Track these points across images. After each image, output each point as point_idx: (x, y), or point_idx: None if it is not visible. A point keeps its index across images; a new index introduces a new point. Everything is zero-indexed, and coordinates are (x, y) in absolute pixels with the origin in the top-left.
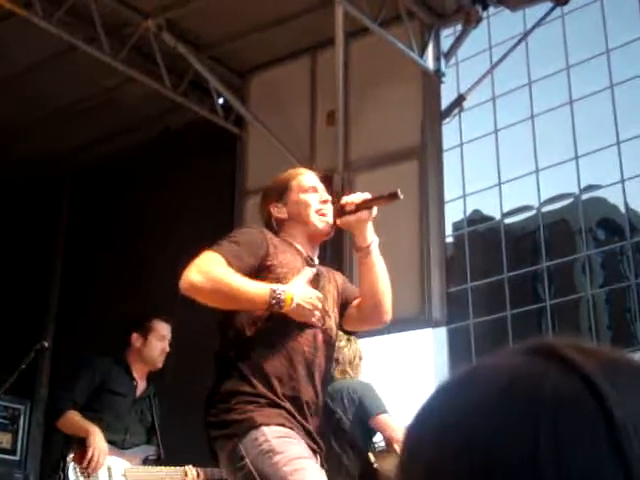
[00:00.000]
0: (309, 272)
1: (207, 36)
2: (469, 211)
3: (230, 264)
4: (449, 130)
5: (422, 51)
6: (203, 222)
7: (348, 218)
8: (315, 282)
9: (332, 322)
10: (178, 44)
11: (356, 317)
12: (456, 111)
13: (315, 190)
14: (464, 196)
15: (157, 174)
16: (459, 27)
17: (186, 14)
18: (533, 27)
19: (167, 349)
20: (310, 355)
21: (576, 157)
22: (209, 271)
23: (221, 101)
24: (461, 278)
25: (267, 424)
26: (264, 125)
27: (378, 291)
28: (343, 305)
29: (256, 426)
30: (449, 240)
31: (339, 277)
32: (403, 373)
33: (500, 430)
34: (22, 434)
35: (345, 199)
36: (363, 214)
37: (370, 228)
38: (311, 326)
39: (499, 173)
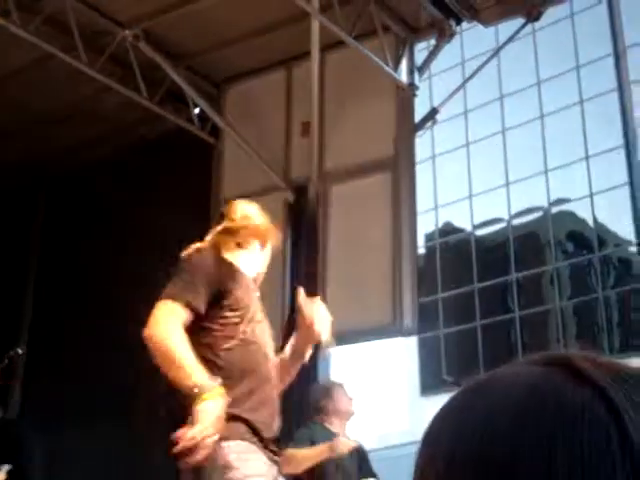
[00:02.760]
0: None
1: (183, 46)
2: (441, 223)
3: (188, 305)
4: (422, 142)
5: (396, 64)
6: (179, 230)
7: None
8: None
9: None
10: (155, 54)
11: None
12: (429, 124)
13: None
14: (436, 208)
15: (133, 182)
16: (433, 41)
17: (163, 24)
18: (505, 42)
19: None
20: (269, 375)
21: (546, 171)
22: (160, 333)
23: (197, 111)
24: (432, 288)
25: (226, 439)
26: (239, 135)
27: (284, 382)
28: None
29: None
30: (421, 251)
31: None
32: (374, 381)
33: (516, 444)
34: None
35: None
36: (312, 339)
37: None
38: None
39: (470, 186)
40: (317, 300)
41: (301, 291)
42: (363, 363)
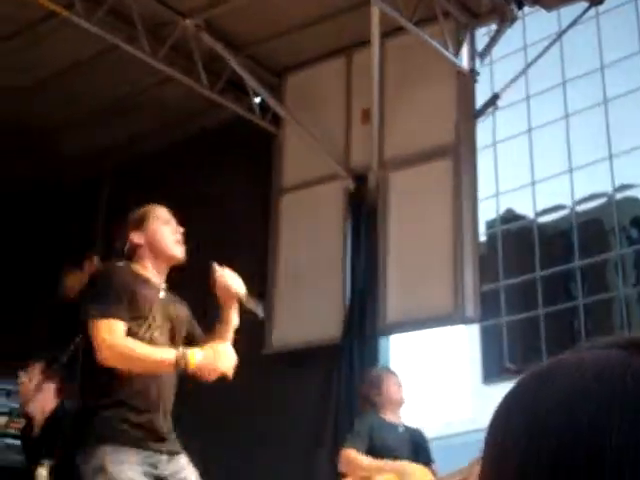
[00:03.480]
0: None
1: (244, 35)
2: (502, 210)
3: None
4: (483, 129)
5: (457, 50)
6: (239, 220)
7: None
8: (165, 307)
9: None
10: (216, 43)
11: None
12: (490, 110)
13: (169, 222)
14: (497, 195)
15: (194, 172)
16: (494, 26)
17: (224, 14)
18: (568, 27)
19: None
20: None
21: (610, 157)
22: (117, 353)
23: (257, 100)
24: (494, 276)
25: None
26: (300, 123)
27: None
28: (187, 338)
29: (97, 443)
30: (482, 239)
31: (186, 309)
32: (437, 369)
33: (580, 425)
34: None
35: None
36: (232, 299)
37: (236, 316)
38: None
39: (532, 172)
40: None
41: (214, 264)
42: (425, 351)
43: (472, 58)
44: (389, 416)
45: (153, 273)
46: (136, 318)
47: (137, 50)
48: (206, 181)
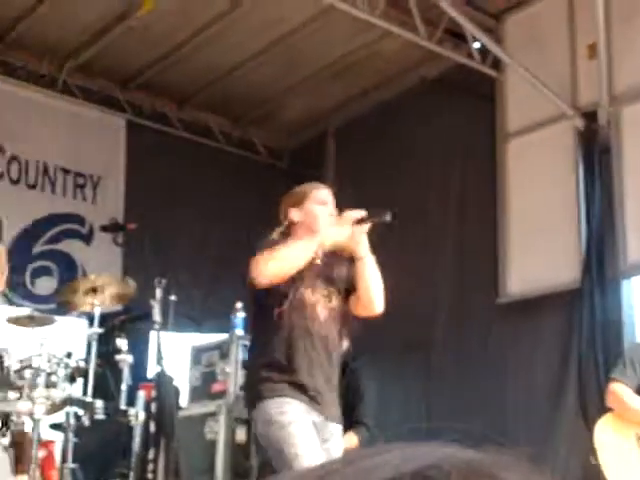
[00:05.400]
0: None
1: None
2: None
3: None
4: None
5: None
6: (466, 167)
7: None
8: (320, 269)
9: (332, 303)
10: None
11: (355, 305)
12: None
13: (326, 204)
14: None
15: (416, 124)
16: None
17: None
18: None
19: None
20: (313, 330)
21: None
22: (264, 261)
23: (477, 45)
24: None
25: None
26: (522, 65)
27: (369, 292)
28: (348, 289)
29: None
30: None
31: (345, 267)
32: None
33: None
34: None
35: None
36: (356, 230)
37: (364, 241)
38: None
39: None
40: None
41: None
42: None
43: None
44: None
45: None
46: (287, 281)
47: (353, 8)
48: (428, 132)
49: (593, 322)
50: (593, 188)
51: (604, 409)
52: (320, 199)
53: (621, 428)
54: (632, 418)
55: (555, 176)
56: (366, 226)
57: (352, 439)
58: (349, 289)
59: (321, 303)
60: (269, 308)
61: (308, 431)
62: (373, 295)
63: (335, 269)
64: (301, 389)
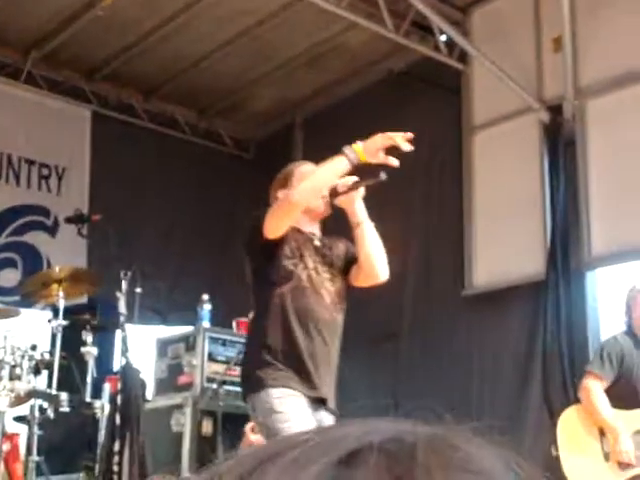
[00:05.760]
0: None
1: None
2: None
3: None
4: None
5: None
6: (431, 161)
7: (340, 198)
8: (320, 250)
9: (335, 285)
10: None
11: (356, 275)
12: None
13: None
14: None
15: (383, 116)
16: None
17: None
18: None
19: None
20: (318, 313)
21: None
22: (285, 198)
23: (443, 38)
24: None
25: (273, 386)
26: (488, 58)
27: (370, 258)
28: (349, 262)
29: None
30: None
31: (342, 244)
32: None
33: None
34: None
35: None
36: (351, 195)
37: (361, 206)
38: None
39: None
40: None
41: None
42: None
43: None
44: None
45: (302, 225)
46: (290, 258)
47: (321, 0)
48: (395, 124)
49: (558, 314)
50: (558, 181)
51: (568, 401)
52: (306, 174)
53: (585, 420)
54: (596, 421)
55: (520, 169)
56: (362, 190)
57: None
58: (348, 265)
59: (325, 286)
60: (272, 287)
61: (309, 427)
62: (375, 261)
63: (334, 249)
64: (304, 378)
